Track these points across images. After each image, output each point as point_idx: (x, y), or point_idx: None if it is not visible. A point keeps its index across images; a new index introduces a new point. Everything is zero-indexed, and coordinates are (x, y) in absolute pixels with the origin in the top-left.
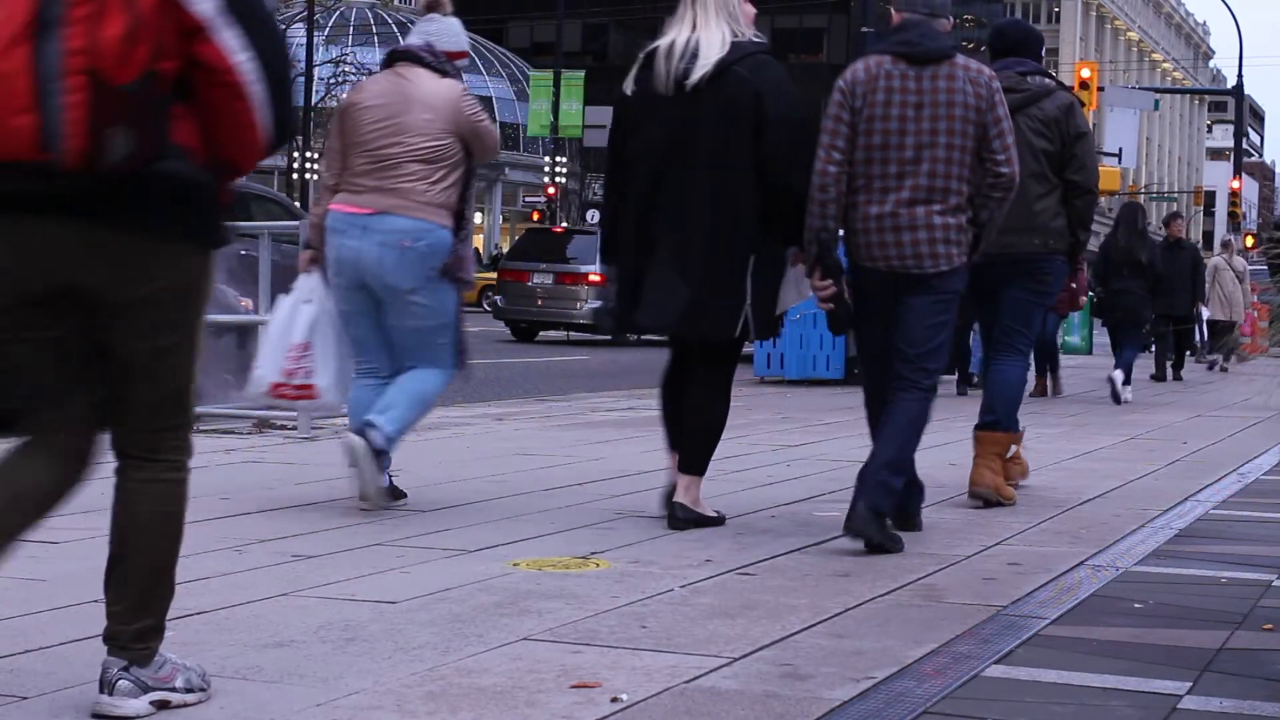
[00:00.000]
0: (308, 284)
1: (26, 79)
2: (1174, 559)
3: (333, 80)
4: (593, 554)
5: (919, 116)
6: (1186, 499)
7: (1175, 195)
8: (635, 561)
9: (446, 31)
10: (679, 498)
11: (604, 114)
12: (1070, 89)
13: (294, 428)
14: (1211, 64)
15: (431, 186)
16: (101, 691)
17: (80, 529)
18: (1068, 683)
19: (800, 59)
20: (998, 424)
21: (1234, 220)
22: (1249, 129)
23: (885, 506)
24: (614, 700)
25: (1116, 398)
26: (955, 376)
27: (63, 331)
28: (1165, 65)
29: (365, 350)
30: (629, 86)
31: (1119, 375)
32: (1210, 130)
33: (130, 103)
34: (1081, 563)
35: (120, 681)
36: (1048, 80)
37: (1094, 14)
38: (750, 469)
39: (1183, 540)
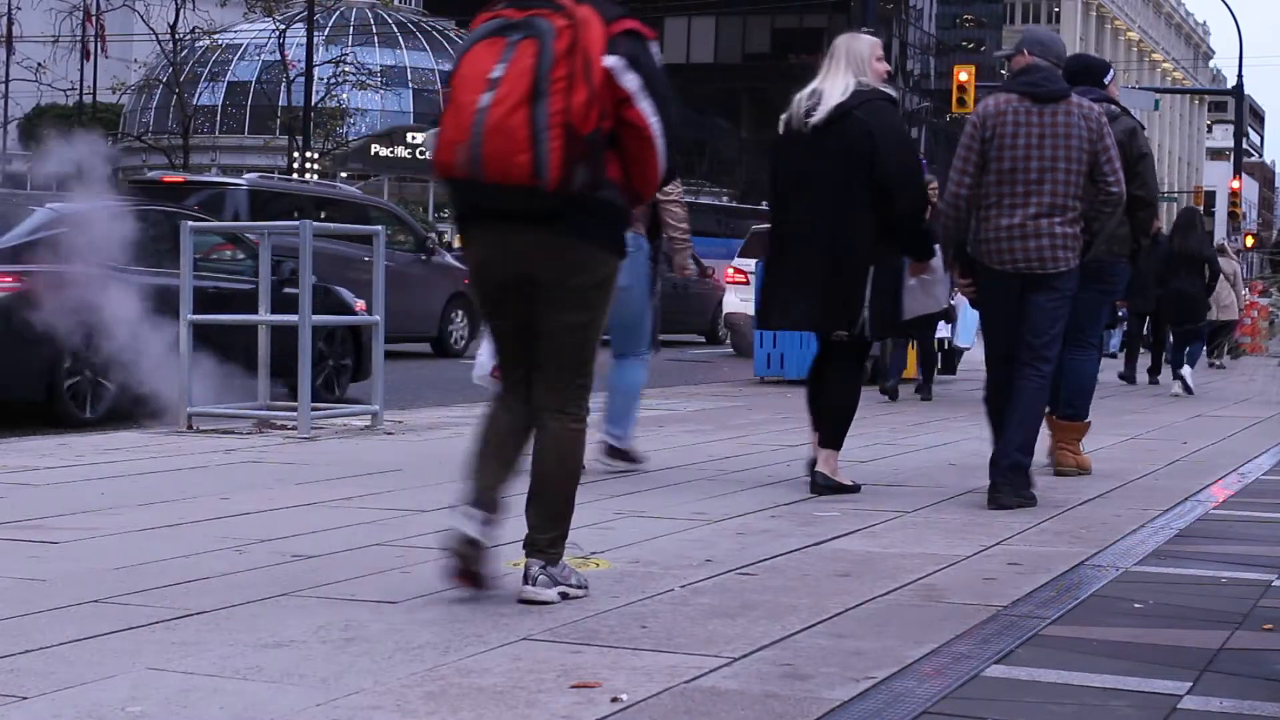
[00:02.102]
0: None
1: (526, 130)
2: (1174, 559)
3: (333, 80)
4: (593, 554)
5: (1041, 145)
6: (1186, 499)
7: (1175, 195)
8: (635, 561)
9: None
10: (820, 467)
11: None
12: (1133, 115)
13: (294, 428)
14: (1211, 64)
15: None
16: (525, 584)
17: (80, 529)
18: (1068, 683)
19: (800, 59)
20: (1076, 415)
21: (1234, 220)
22: (1249, 129)
23: (1021, 481)
24: (614, 700)
25: (1188, 389)
26: (920, 379)
27: (516, 309)
28: (1165, 65)
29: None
30: (780, 126)
31: (1187, 371)
32: (1210, 130)
33: (588, 147)
34: (1081, 563)
35: (540, 577)
36: (1112, 106)
37: (1094, 14)
38: (750, 469)
39: (1183, 540)
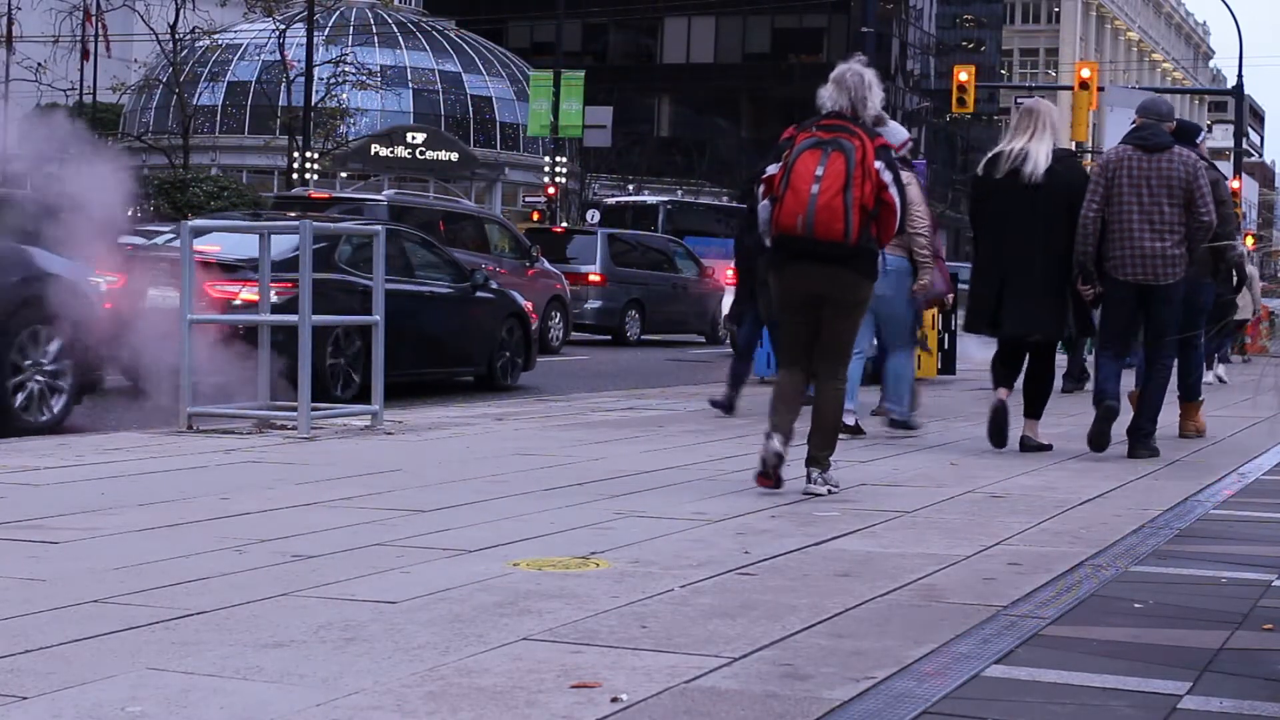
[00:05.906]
0: None
1: (842, 208)
2: (1174, 559)
3: (333, 80)
4: (593, 554)
5: (1151, 186)
6: (1186, 499)
7: None
8: (635, 561)
9: (892, 134)
10: (1025, 431)
11: (603, 114)
12: (1216, 167)
13: (294, 428)
14: (1211, 64)
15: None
16: (808, 483)
17: (80, 529)
18: (1068, 683)
19: (800, 59)
20: (1190, 394)
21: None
22: (1249, 129)
23: (1146, 442)
24: (614, 700)
25: (1222, 380)
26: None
27: (810, 319)
28: (1165, 65)
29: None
30: (981, 170)
31: (1222, 369)
32: (1210, 130)
33: (868, 218)
34: (1081, 563)
35: (818, 480)
36: (1203, 161)
37: (1094, 14)
38: (751, 469)
39: (1183, 540)
